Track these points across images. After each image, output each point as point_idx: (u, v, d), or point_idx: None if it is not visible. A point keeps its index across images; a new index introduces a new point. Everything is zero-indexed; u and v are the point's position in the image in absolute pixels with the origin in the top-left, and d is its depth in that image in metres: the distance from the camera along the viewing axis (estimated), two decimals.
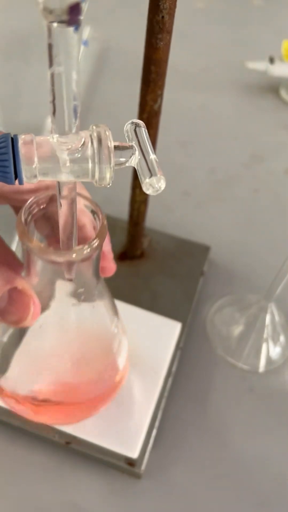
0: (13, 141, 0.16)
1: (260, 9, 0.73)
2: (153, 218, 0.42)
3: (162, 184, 0.17)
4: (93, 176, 0.17)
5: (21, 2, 0.68)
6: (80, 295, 0.25)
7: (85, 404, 0.32)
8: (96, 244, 0.22)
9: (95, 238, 0.22)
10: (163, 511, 0.32)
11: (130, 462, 0.32)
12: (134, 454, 0.32)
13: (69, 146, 0.16)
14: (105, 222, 0.23)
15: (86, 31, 0.62)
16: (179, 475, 0.33)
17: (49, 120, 0.50)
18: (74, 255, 0.21)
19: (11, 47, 0.62)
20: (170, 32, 0.25)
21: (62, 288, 0.25)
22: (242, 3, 0.74)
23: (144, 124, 0.18)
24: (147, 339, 0.36)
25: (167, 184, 0.48)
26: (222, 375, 0.37)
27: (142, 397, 0.34)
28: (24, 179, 0.16)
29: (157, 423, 0.33)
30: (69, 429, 0.32)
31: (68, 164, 0.16)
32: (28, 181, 0.16)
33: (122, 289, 0.38)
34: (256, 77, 0.61)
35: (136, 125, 0.18)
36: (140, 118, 0.29)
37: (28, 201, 0.22)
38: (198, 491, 0.32)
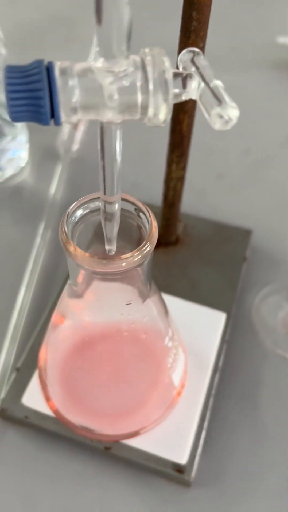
0: (48, 69, 0.13)
1: None
2: (185, 203, 0.38)
3: (234, 113, 0.13)
4: (145, 111, 0.14)
5: None
6: (131, 306, 0.22)
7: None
8: (147, 249, 0.19)
9: (146, 243, 0.19)
10: None
11: (179, 468, 0.28)
12: (183, 459, 0.28)
13: (117, 73, 0.13)
14: (155, 224, 0.19)
15: None
16: (232, 483, 0.29)
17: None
18: (124, 264, 0.18)
19: (26, 38, 0.60)
20: None
21: (114, 296, 0.21)
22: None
23: (202, 52, 0.15)
24: (190, 332, 0.32)
25: (198, 167, 0.44)
26: (272, 369, 0.34)
27: (188, 396, 0.30)
28: (62, 116, 0.13)
29: (205, 424, 0.30)
30: (108, 433, 0.29)
31: (115, 96, 0.13)
32: (67, 120, 0.13)
33: (158, 278, 0.34)
34: (287, 54, 0.57)
35: (194, 53, 0.15)
36: None
37: (72, 206, 0.19)
38: (253, 500, 0.29)
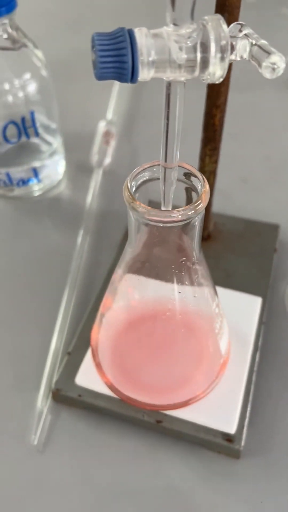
0: (130, 33, 0.16)
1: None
2: (213, 205, 0.41)
3: (282, 62, 0.16)
4: (204, 69, 0.16)
5: (66, 33, 0.71)
6: (182, 267, 0.24)
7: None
8: (200, 205, 0.21)
9: (198, 200, 0.21)
10: (266, 493, 0.29)
11: (229, 438, 0.29)
12: (232, 429, 0.29)
13: (183, 35, 0.16)
14: (207, 187, 0.22)
15: None
16: (280, 453, 0.30)
17: (101, 124, 0.51)
18: (179, 216, 0.21)
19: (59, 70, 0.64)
20: None
21: (166, 257, 0.24)
22: (272, 13, 0.76)
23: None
24: (229, 316, 0.34)
25: (223, 172, 0.47)
26: None
27: (233, 371, 0.32)
28: (140, 74, 0.16)
29: (250, 397, 0.31)
30: (160, 403, 0.30)
31: (182, 55, 0.16)
32: (142, 77, 0.16)
33: None
34: None
35: (241, 25, 0.18)
36: None
37: (134, 170, 0.22)
38: None
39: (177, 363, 0.29)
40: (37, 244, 0.43)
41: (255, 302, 0.35)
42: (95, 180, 0.47)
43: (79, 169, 0.49)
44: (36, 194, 0.47)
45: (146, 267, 0.24)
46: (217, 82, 0.17)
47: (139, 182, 0.22)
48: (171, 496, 0.29)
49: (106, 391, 0.31)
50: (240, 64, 0.64)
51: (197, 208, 0.21)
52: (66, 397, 0.32)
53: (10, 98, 0.40)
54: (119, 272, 0.27)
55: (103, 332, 0.30)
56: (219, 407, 0.30)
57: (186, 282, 0.25)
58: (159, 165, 0.21)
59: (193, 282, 0.25)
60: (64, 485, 0.29)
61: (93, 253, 0.42)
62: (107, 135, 0.50)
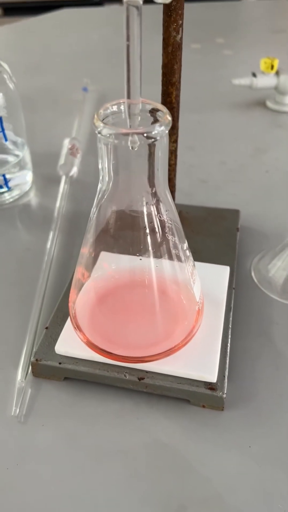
0: None
1: (229, 57, 0.83)
2: (176, 202, 0.44)
3: None
4: None
5: (52, 67, 0.76)
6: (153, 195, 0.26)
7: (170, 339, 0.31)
8: (162, 128, 0.23)
9: (161, 123, 0.23)
10: (253, 438, 0.29)
11: (211, 386, 0.30)
12: (213, 377, 0.30)
13: None
14: (169, 115, 0.24)
15: (86, 81, 0.70)
16: (262, 403, 0.31)
17: (66, 140, 0.54)
18: (143, 128, 0.23)
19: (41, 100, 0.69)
20: None
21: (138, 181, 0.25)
22: (215, 53, 0.84)
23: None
24: (201, 283, 0.35)
25: (183, 176, 0.51)
26: (278, 311, 0.36)
27: (209, 326, 0.32)
28: None
29: (228, 350, 0.32)
30: (139, 365, 0.30)
31: None
32: None
33: None
34: (242, 95, 0.67)
35: None
36: (164, 52, 0.33)
37: (104, 105, 0.24)
38: (283, 421, 0.30)
39: (153, 314, 0.30)
40: (11, 244, 0.44)
41: (224, 270, 0.37)
42: (63, 187, 0.49)
43: (47, 179, 0.51)
44: (7, 202, 0.48)
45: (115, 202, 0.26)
46: (166, 2, 0.20)
47: (107, 112, 0.24)
48: (158, 451, 0.28)
49: (86, 355, 0.31)
50: (193, 91, 0.71)
51: (160, 129, 0.23)
52: (47, 367, 0.31)
53: None
54: (92, 221, 0.28)
55: (81, 294, 0.31)
56: (199, 358, 0.31)
57: (154, 218, 0.26)
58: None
59: (161, 219, 0.27)
60: (49, 452, 0.28)
61: (64, 247, 0.43)
62: (73, 148, 0.52)
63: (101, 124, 0.23)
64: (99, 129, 0.23)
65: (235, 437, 0.29)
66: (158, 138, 0.23)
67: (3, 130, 0.44)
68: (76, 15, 1.15)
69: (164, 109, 0.24)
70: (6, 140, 0.45)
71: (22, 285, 0.39)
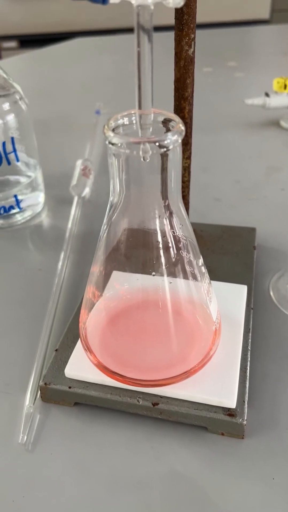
0: None
1: (241, 79, 0.83)
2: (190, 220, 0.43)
3: None
4: None
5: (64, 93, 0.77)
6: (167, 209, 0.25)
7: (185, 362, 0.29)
8: (175, 137, 0.22)
9: (174, 132, 0.23)
10: (277, 469, 0.27)
11: (230, 412, 0.28)
12: (232, 402, 0.28)
13: None
14: (182, 125, 0.23)
15: (98, 105, 0.70)
16: (285, 432, 0.28)
17: (79, 162, 0.54)
18: (155, 137, 0.22)
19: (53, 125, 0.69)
20: None
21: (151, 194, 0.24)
22: (227, 76, 0.84)
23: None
24: (218, 303, 0.34)
25: (197, 195, 0.50)
26: None
27: (227, 348, 0.31)
28: None
29: (247, 375, 0.30)
30: (153, 389, 0.29)
31: None
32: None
33: None
34: (255, 115, 0.67)
35: None
36: (177, 66, 0.32)
37: (114, 115, 0.24)
38: None
39: (168, 335, 0.28)
40: (22, 265, 0.43)
41: (241, 289, 0.35)
42: (76, 208, 0.49)
43: (59, 200, 0.51)
44: (19, 223, 0.47)
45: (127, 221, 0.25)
46: (178, 6, 0.19)
47: (118, 122, 0.23)
48: (174, 483, 0.26)
49: (97, 379, 0.29)
50: (205, 112, 0.70)
51: (173, 138, 0.22)
52: (56, 391, 0.30)
53: None
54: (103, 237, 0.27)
55: (92, 314, 0.30)
56: (217, 382, 0.29)
57: (167, 234, 0.25)
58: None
59: (174, 234, 0.26)
60: (58, 482, 0.27)
61: (75, 268, 0.42)
62: (85, 169, 0.52)
63: (112, 134, 0.22)
64: (109, 139, 0.22)
65: (257, 468, 0.27)
66: (170, 147, 0.22)
67: (15, 150, 0.44)
68: (89, 44, 1.17)
69: (176, 118, 0.24)
70: (18, 160, 0.45)
71: (32, 306, 0.38)
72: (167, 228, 0.25)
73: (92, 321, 0.30)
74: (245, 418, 0.28)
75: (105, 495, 0.26)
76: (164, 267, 0.27)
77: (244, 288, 0.36)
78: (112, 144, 0.22)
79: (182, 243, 0.26)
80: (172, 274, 0.27)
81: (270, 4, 1.96)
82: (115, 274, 0.28)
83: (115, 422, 0.29)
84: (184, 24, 0.30)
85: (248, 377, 0.30)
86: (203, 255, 0.34)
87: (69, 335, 0.33)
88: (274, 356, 0.33)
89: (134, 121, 0.24)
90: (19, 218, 0.48)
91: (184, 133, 0.23)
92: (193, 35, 0.31)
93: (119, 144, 0.22)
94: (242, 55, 0.97)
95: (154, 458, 0.28)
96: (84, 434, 0.29)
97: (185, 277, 0.27)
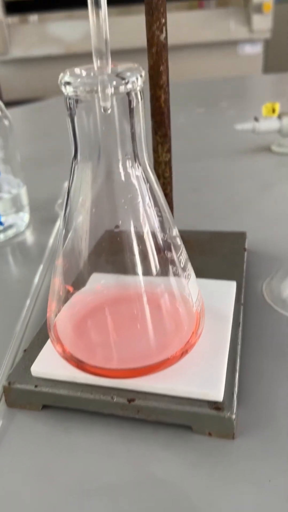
0: None
1: (232, 115, 0.85)
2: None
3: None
4: None
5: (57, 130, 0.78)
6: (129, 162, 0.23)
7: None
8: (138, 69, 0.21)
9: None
10: (274, 470, 0.23)
11: (217, 406, 0.24)
12: (219, 394, 0.24)
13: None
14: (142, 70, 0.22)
15: None
16: (281, 431, 0.24)
17: (65, 185, 0.53)
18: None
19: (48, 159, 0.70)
20: None
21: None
22: (219, 114, 0.86)
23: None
24: (206, 299, 0.30)
25: (187, 211, 0.49)
26: None
27: (212, 340, 0.28)
28: None
29: (237, 367, 0.26)
30: (129, 384, 0.25)
31: None
32: None
33: None
34: (246, 142, 0.67)
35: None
36: (149, 53, 0.31)
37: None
38: None
39: (144, 321, 0.25)
40: (1, 276, 0.40)
41: (230, 285, 0.33)
42: (60, 223, 0.47)
43: (44, 220, 0.49)
44: (1, 240, 0.46)
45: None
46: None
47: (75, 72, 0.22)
48: (154, 489, 0.22)
49: (67, 375, 0.26)
50: (197, 143, 0.70)
51: (132, 72, 0.21)
52: (21, 392, 0.26)
53: None
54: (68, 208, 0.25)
55: (63, 307, 0.27)
56: (201, 372, 0.25)
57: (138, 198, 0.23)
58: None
59: (145, 189, 0.23)
60: (20, 490, 0.23)
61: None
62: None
63: (67, 75, 0.21)
64: (63, 79, 0.21)
65: (250, 470, 0.23)
66: (136, 87, 0.21)
67: None
68: None
69: (136, 65, 0.22)
70: None
71: (6, 315, 0.35)
72: (134, 194, 0.23)
73: (63, 313, 0.27)
74: (234, 412, 0.24)
75: (71, 505, 0.22)
76: (135, 245, 0.24)
77: (233, 284, 0.33)
78: (68, 84, 0.20)
79: (149, 210, 0.24)
80: (143, 253, 0.24)
81: (262, 64, 2.06)
82: (95, 276, 0.26)
83: (88, 426, 0.26)
84: (153, 8, 0.30)
85: (238, 370, 0.26)
86: (190, 258, 0.31)
87: (41, 336, 0.30)
88: (271, 354, 0.29)
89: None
90: (1, 236, 0.46)
91: (143, 76, 0.21)
92: (163, 19, 0.31)
93: (75, 86, 0.20)
94: (235, 97, 0.99)
95: (130, 463, 0.24)
96: (52, 440, 0.25)
97: (158, 252, 0.25)
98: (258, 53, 2.03)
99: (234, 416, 0.24)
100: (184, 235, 0.40)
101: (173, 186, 0.38)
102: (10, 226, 0.47)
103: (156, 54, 0.31)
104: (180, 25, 1.91)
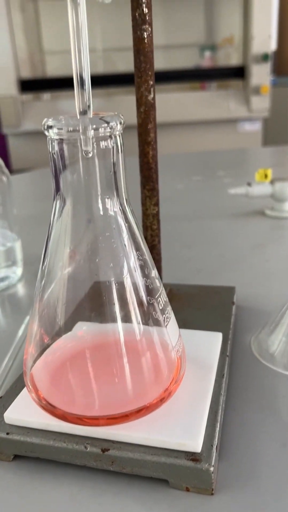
0: None
1: (228, 183, 0.88)
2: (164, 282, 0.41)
3: None
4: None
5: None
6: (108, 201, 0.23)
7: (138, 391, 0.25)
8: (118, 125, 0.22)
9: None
10: None
11: (194, 457, 0.23)
12: (197, 445, 0.23)
13: None
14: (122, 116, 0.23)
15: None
16: (265, 488, 0.23)
17: None
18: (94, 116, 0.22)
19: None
20: (150, 24, 0.31)
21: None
22: (215, 181, 0.89)
23: None
24: (191, 350, 0.30)
25: (178, 267, 0.49)
26: (284, 384, 0.30)
27: (193, 390, 0.27)
28: None
29: (219, 419, 0.25)
30: (101, 433, 0.24)
31: None
32: None
33: None
34: (240, 207, 0.69)
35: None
36: (138, 112, 0.33)
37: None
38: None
39: (121, 367, 0.25)
40: None
41: (216, 336, 0.32)
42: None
43: (36, 273, 0.50)
44: None
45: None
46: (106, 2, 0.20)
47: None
48: None
49: (41, 423, 0.25)
50: (191, 206, 0.72)
51: (112, 119, 0.22)
52: None
53: None
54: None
55: (37, 346, 0.26)
56: (179, 422, 0.24)
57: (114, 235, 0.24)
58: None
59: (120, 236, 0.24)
60: None
61: None
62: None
63: (50, 120, 0.22)
64: (46, 124, 0.22)
65: None
66: (116, 131, 0.22)
67: None
68: None
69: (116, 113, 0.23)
70: None
71: None
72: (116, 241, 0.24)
73: (41, 359, 0.27)
74: (212, 464, 0.23)
75: None
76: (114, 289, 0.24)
77: (218, 335, 0.32)
78: (50, 127, 0.21)
79: (128, 252, 0.24)
80: (122, 299, 0.24)
81: (261, 140, 2.16)
82: (80, 324, 0.26)
83: (60, 478, 0.24)
84: (142, 71, 0.32)
85: (219, 422, 0.25)
86: (177, 310, 0.31)
87: (18, 383, 0.29)
88: (255, 407, 0.28)
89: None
90: None
91: (123, 123, 0.22)
92: (151, 81, 0.33)
93: (56, 129, 0.21)
94: (231, 168, 1.03)
95: None
96: (22, 492, 0.24)
97: (137, 296, 0.24)
98: (257, 130, 2.14)
99: (212, 469, 0.22)
100: (173, 288, 0.41)
101: (166, 242, 0.38)
102: (2, 279, 0.47)
103: (144, 113, 0.33)
104: (183, 104, 2.03)
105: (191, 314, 0.36)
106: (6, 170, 0.47)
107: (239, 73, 2.09)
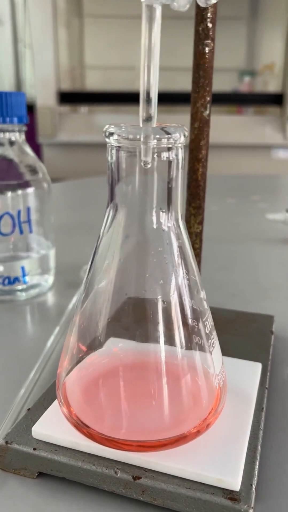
0: None
1: (264, 208, 0.86)
2: None
3: None
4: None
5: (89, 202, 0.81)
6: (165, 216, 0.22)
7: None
8: (176, 143, 0.21)
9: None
10: None
11: (233, 496, 0.21)
12: (236, 482, 0.22)
13: None
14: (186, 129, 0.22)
15: None
16: None
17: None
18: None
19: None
20: (213, 39, 0.31)
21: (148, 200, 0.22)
22: (250, 205, 0.87)
23: None
24: (229, 378, 0.28)
25: (212, 290, 0.48)
26: None
27: (232, 422, 0.25)
28: None
29: (258, 455, 0.24)
30: (134, 459, 0.23)
31: None
32: None
33: None
34: (277, 233, 0.67)
35: None
36: (192, 127, 0.32)
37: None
38: None
39: (160, 392, 0.23)
40: (15, 334, 0.39)
41: (255, 366, 0.30)
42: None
43: (68, 284, 0.49)
44: (22, 299, 0.45)
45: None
46: (182, 10, 0.20)
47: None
48: None
49: (69, 441, 0.24)
50: (227, 228, 0.72)
51: (175, 142, 0.21)
52: (18, 453, 0.24)
53: (8, 193, 0.43)
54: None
55: (76, 367, 0.25)
56: (217, 455, 0.23)
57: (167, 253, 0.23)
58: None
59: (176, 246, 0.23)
60: None
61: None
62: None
63: (112, 127, 0.21)
64: (108, 131, 0.21)
65: None
66: (178, 143, 0.21)
67: (29, 220, 0.44)
68: None
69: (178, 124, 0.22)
70: (31, 231, 0.45)
71: (16, 370, 0.34)
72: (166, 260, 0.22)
73: (74, 373, 0.25)
74: (252, 505, 0.21)
75: None
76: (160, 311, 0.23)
77: (258, 366, 0.31)
78: (110, 134, 0.21)
79: (178, 271, 0.23)
80: (166, 320, 0.23)
81: None
82: (112, 340, 0.25)
83: (84, 502, 0.23)
84: (200, 87, 0.31)
85: (258, 458, 0.23)
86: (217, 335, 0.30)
87: (47, 396, 0.28)
88: None
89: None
90: (23, 295, 0.45)
91: (187, 136, 0.21)
92: (208, 97, 0.32)
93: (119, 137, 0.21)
94: (266, 192, 1.02)
95: None
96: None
97: (183, 319, 0.23)
98: None
99: (251, 511, 0.21)
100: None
101: (202, 262, 0.37)
102: (33, 286, 0.46)
103: (198, 129, 0.32)
104: (219, 126, 2.04)
105: (227, 341, 0.35)
106: (48, 177, 0.47)
107: (277, 100, 2.09)
